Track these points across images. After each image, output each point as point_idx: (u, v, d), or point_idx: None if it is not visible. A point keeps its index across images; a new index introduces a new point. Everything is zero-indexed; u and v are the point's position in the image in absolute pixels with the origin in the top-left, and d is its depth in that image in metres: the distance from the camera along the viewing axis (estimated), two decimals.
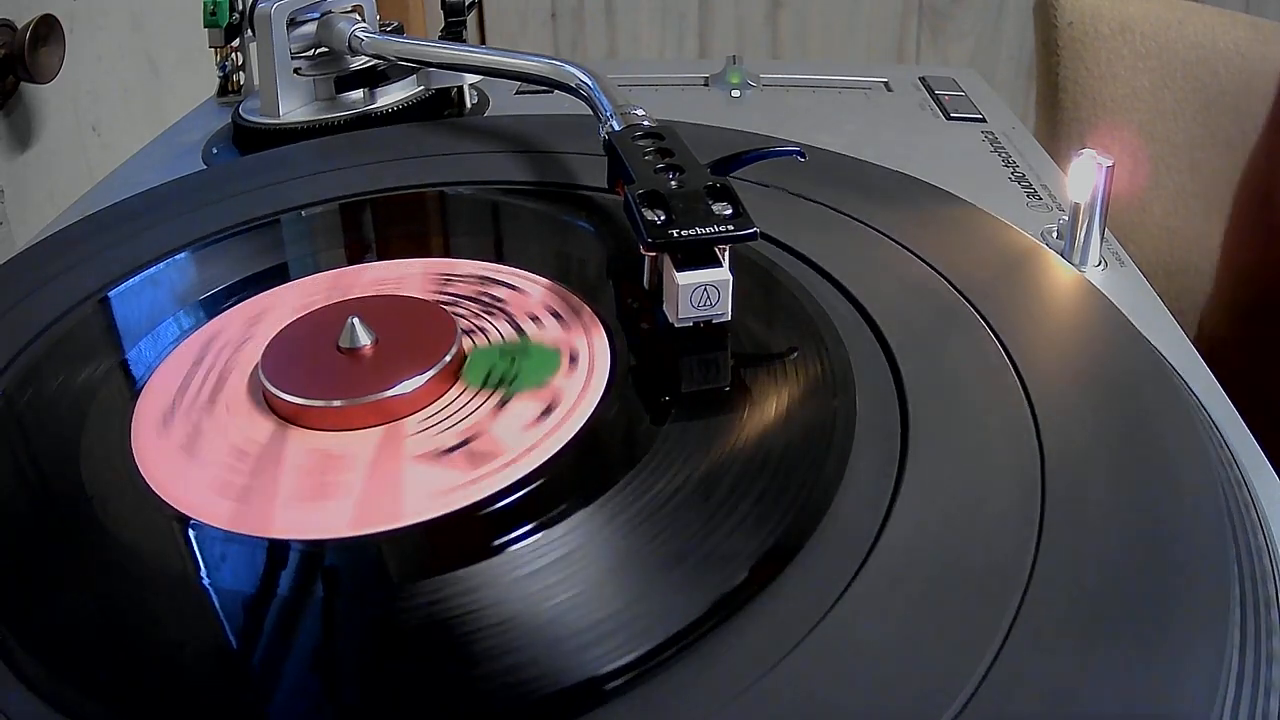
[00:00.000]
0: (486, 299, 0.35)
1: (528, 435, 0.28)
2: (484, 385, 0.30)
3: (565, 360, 0.31)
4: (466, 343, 0.32)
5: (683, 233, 0.30)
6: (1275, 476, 0.29)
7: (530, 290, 0.35)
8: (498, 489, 0.27)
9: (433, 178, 0.45)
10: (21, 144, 0.65)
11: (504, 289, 0.35)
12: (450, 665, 0.22)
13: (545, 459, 0.28)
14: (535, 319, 0.34)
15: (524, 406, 0.29)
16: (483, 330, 0.33)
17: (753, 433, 0.28)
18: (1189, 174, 0.74)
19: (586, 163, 0.43)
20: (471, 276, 0.36)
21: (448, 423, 0.29)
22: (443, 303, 0.34)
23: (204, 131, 0.55)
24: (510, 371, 0.31)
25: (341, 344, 0.31)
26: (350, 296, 0.35)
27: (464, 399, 0.30)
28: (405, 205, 0.43)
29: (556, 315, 0.34)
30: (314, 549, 0.25)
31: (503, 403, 0.30)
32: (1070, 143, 0.74)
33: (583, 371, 0.31)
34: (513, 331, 0.33)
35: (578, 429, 0.29)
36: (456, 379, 0.31)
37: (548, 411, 0.29)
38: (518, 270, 0.36)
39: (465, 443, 0.28)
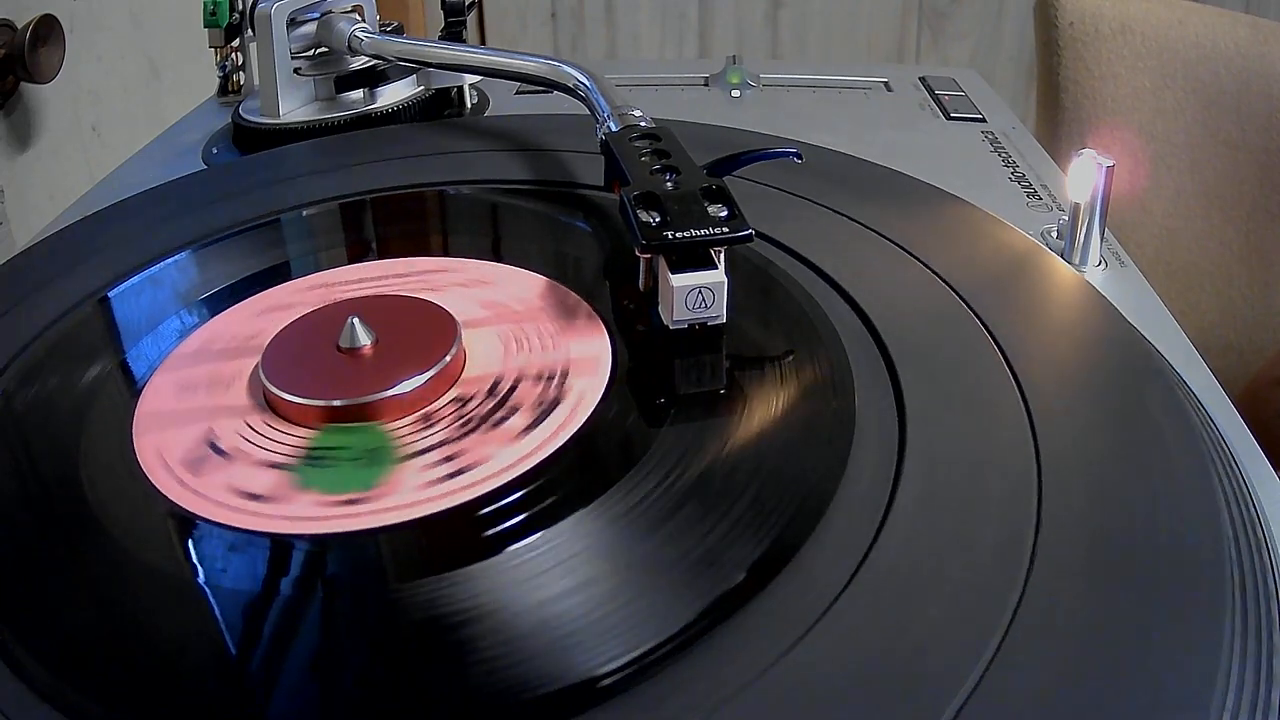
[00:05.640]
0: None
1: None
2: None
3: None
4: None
5: (677, 234, 0.30)
6: (1274, 476, 0.29)
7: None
8: (496, 488, 0.27)
9: (433, 178, 0.45)
10: (21, 144, 0.65)
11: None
12: (448, 665, 0.22)
13: (545, 459, 0.28)
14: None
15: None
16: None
17: (751, 434, 0.28)
18: (1189, 174, 0.74)
19: (586, 162, 0.43)
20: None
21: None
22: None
23: (204, 131, 0.55)
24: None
25: (342, 344, 0.31)
26: (346, 297, 0.35)
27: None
28: (405, 205, 0.43)
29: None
30: (313, 547, 0.26)
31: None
32: (1070, 143, 0.74)
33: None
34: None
35: (578, 429, 0.29)
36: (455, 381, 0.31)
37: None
38: (516, 269, 0.37)
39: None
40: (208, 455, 0.29)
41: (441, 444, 0.28)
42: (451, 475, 0.27)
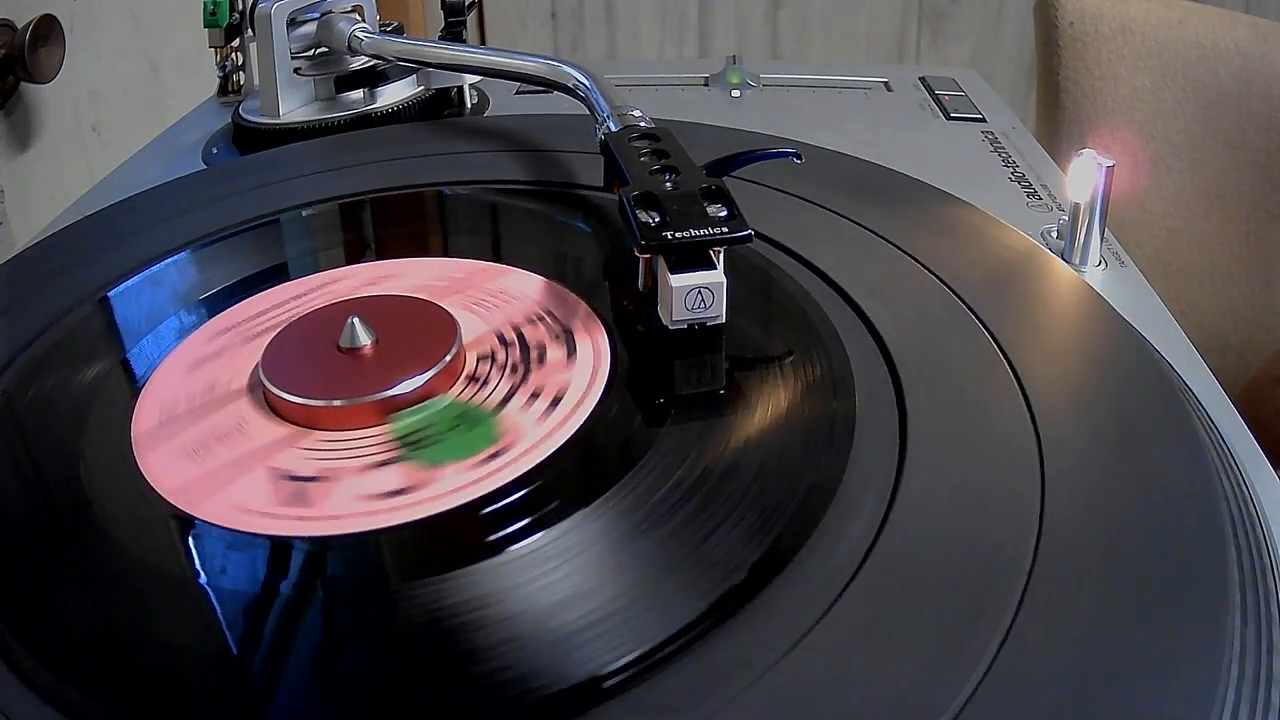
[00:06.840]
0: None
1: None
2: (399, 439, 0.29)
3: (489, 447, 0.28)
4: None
5: (676, 235, 0.30)
6: (1274, 476, 0.29)
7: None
8: (497, 488, 0.27)
9: (433, 178, 0.45)
10: (21, 144, 0.65)
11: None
12: (450, 665, 0.22)
13: (544, 459, 0.28)
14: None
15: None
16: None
17: (752, 434, 0.28)
18: (1189, 174, 0.74)
19: (586, 162, 0.43)
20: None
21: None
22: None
23: (204, 131, 0.55)
24: (434, 436, 0.29)
25: (342, 344, 0.31)
26: (347, 298, 0.35)
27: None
28: (404, 205, 0.43)
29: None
30: (314, 548, 0.26)
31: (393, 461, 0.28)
32: (1070, 143, 0.74)
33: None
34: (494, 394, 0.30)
35: (577, 429, 0.29)
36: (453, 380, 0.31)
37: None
38: (516, 270, 0.37)
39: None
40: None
41: (513, 387, 0.30)
42: (551, 406, 0.29)
